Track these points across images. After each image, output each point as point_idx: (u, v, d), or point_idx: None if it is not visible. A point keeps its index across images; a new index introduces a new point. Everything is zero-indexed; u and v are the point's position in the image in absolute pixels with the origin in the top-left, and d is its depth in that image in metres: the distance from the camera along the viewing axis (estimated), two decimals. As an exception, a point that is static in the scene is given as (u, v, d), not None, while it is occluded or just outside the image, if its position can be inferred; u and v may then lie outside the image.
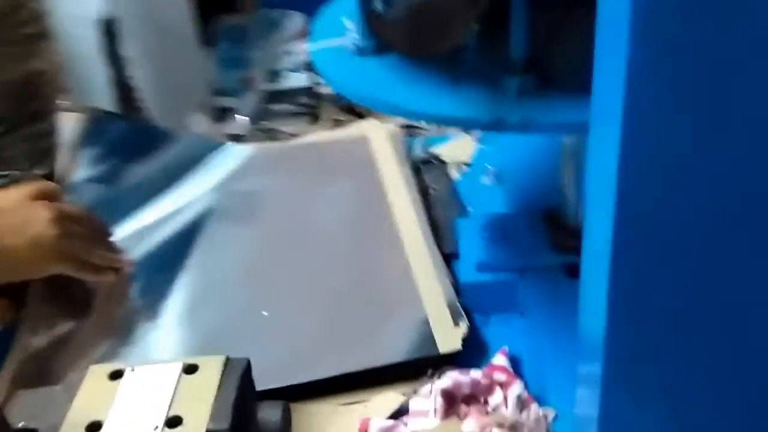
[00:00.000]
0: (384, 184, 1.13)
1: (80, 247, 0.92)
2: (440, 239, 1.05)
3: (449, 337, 0.90)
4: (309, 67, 2.03)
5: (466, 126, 0.64)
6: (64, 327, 0.95)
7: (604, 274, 0.48)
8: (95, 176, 1.20)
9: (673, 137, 0.42)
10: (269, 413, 0.78)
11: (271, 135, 1.98)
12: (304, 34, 2.06)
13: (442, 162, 1.22)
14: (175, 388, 0.73)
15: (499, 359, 0.89)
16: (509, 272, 0.96)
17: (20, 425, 0.72)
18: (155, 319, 0.97)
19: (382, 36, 0.71)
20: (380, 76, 0.69)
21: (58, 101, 1.24)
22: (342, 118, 1.85)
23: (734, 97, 0.41)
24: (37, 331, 0.93)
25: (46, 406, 0.75)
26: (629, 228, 0.46)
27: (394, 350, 0.90)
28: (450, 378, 0.85)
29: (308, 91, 2.00)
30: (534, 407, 0.85)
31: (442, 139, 1.27)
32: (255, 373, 0.78)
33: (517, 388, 0.85)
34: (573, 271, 0.96)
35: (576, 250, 0.97)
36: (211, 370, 0.75)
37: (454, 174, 1.20)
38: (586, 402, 0.59)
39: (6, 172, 1.03)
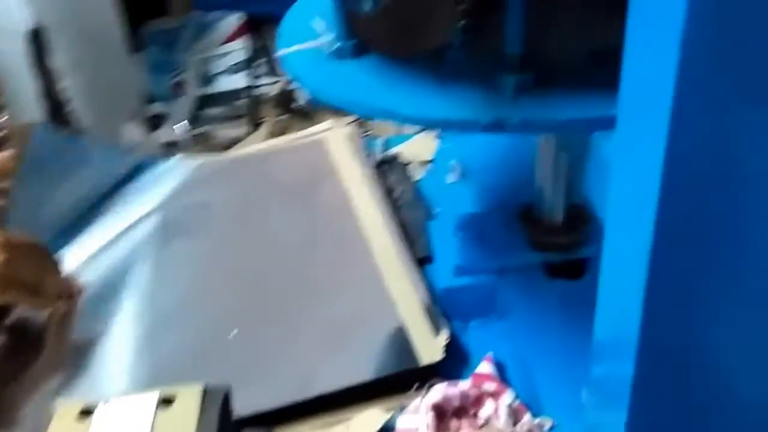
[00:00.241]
0: (346, 188, 1.09)
1: (28, 274, 0.87)
2: (412, 243, 1.01)
3: (430, 347, 0.86)
4: (243, 68, 1.99)
5: (463, 128, 0.61)
6: (15, 361, 0.88)
7: (641, 275, 0.44)
8: (33, 196, 1.12)
9: (724, 132, 0.39)
10: (253, 442, 0.73)
11: (208, 140, 1.93)
12: (238, 35, 2.01)
13: (404, 162, 1.18)
14: (152, 424, 0.68)
15: (485, 367, 0.86)
16: (487, 274, 0.93)
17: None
18: (111, 348, 0.91)
19: (361, 36, 0.67)
20: (363, 79, 0.65)
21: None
22: (283, 119, 1.81)
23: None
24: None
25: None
26: (670, 230, 0.42)
27: (372, 365, 0.85)
28: (438, 391, 0.82)
29: (245, 93, 1.95)
30: (527, 417, 0.81)
31: (402, 138, 1.23)
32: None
33: (507, 397, 0.82)
34: (552, 270, 0.93)
35: (554, 247, 0.95)
36: (189, 400, 0.70)
37: (418, 173, 1.16)
38: (606, 407, 0.56)
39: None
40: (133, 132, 1.87)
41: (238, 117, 1.98)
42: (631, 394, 0.50)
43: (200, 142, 1.91)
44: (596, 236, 0.91)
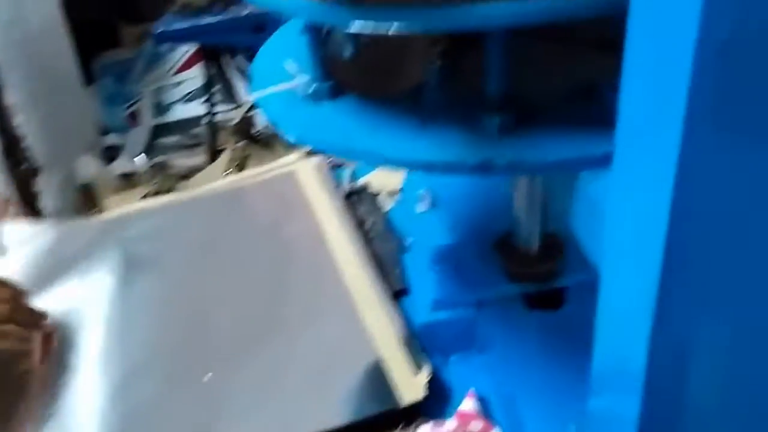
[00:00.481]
0: (318, 221, 1.07)
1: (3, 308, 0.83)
2: (386, 276, 0.99)
3: (411, 386, 0.84)
4: (199, 95, 1.97)
5: (448, 171, 0.60)
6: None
7: (648, 306, 0.43)
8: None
9: (733, 166, 0.39)
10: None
11: (166, 170, 1.91)
12: (191, 64, 2.00)
13: (373, 192, 1.16)
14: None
15: (468, 404, 0.84)
16: (465, 307, 0.91)
17: None
18: (81, 395, 0.88)
19: (336, 77, 0.65)
20: (342, 122, 0.63)
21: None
22: (241, 147, 1.79)
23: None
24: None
25: None
26: (678, 262, 0.42)
27: (351, 407, 0.83)
28: (425, 433, 0.80)
29: (202, 121, 1.93)
30: (516, 454, 0.80)
31: (369, 168, 1.21)
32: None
33: (495, 436, 0.81)
34: (530, 301, 0.92)
35: (531, 277, 0.94)
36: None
37: (387, 203, 1.15)
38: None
39: None
40: (88, 165, 1.84)
41: (196, 145, 1.96)
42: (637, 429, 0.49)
43: (158, 172, 1.89)
44: (573, 265, 0.90)
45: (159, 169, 1.95)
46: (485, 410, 0.84)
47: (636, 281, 0.45)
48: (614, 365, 0.52)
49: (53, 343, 0.90)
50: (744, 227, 0.41)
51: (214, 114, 1.86)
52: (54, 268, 1.06)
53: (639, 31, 0.39)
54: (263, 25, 1.47)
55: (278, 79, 0.69)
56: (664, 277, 0.42)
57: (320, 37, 0.65)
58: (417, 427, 0.81)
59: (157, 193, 1.62)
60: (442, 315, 0.92)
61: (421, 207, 1.10)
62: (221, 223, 1.11)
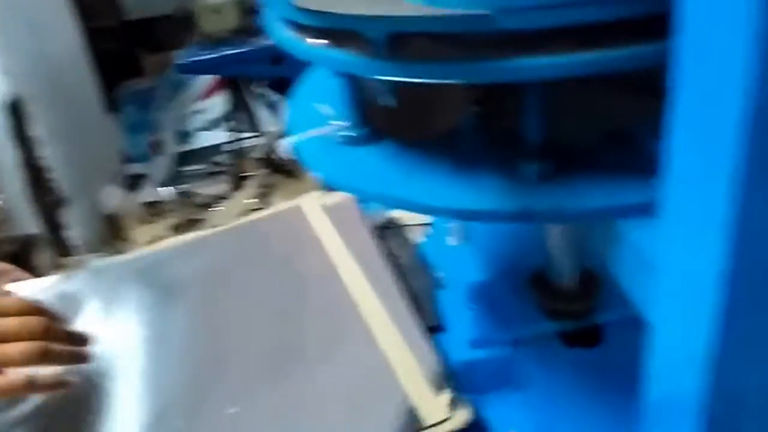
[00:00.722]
0: (332, 260, 1.06)
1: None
2: (421, 311, 0.98)
3: (436, 415, 0.83)
4: (222, 123, 1.97)
5: (487, 219, 0.58)
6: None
7: (703, 355, 0.43)
8: None
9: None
10: None
11: (190, 199, 1.91)
12: (214, 91, 2.00)
13: (403, 225, 1.15)
14: None
15: (507, 443, 0.83)
16: (503, 345, 0.90)
17: None
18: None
19: (371, 122, 0.65)
20: (377, 167, 0.62)
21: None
22: (264, 175, 1.79)
23: None
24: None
25: None
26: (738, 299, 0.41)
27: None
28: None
29: (225, 149, 1.93)
30: (558, 496, 0.79)
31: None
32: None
33: (536, 476, 0.79)
34: (568, 338, 0.91)
35: (568, 314, 0.93)
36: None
37: (418, 237, 1.14)
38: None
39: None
40: (113, 195, 1.85)
41: (219, 173, 1.96)
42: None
43: (182, 202, 1.89)
44: (611, 301, 0.89)
45: (183, 198, 1.94)
46: (525, 450, 0.83)
47: (691, 332, 0.44)
48: (668, 413, 0.51)
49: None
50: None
51: (238, 140, 1.86)
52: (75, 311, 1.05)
53: (688, 78, 0.38)
54: (282, 57, 1.47)
55: (313, 121, 0.68)
56: (720, 327, 0.41)
57: (356, 84, 0.64)
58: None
59: (180, 223, 1.61)
60: (480, 353, 0.91)
61: (453, 240, 1.09)
62: (237, 258, 1.10)
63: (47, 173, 1.68)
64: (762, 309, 0.41)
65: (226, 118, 1.88)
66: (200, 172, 2.00)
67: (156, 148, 2.01)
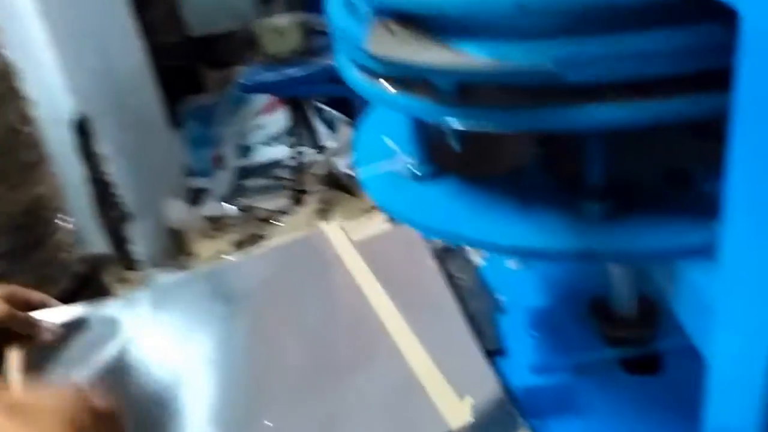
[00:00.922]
0: (358, 285, 1.07)
1: None
2: (481, 335, 0.99)
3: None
4: (282, 138, 2.00)
5: (549, 258, 0.60)
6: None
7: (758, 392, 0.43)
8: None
9: None
10: None
11: (252, 213, 1.94)
12: (274, 107, 2.03)
13: (464, 247, 1.16)
14: None
15: (568, 469, 0.84)
16: (563, 372, 0.91)
17: None
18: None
19: (437, 159, 0.66)
20: (442, 204, 0.64)
21: (57, 222, 1.16)
22: (324, 191, 1.81)
23: None
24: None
25: None
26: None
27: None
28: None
29: (285, 163, 1.96)
30: None
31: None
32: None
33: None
34: (628, 365, 0.91)
35: (629, 342, 0.93)
36: None
37: (477, 260, 1.15)
38: None
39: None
40: (176, 209, 1.88)
41: (280, 188, 1.99)
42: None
43: (244, 216, 1.91)
44: (670, 330, 0.89)
45: (245, 212, 1.97)
46: (585, 476, 0.84)
47: (747, 372, 0.45)
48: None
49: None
50: None
51: (299, 154, 1.88)
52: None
53: (746, 128, 0.38)
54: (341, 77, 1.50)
55: (379, 153, 0.70)
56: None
57: (423, 124, 0.66)
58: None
59: (243, 239, 1.64)
60: (540, 379, 0.92)
61: (512, 264, 1.10)
62: (285, 276, 1.12)
63: (113, 189, 1.72)
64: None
65: (287, 133, 1.91)
66: (261, 186, 2.02)
67: (218, 162, 2.04)
